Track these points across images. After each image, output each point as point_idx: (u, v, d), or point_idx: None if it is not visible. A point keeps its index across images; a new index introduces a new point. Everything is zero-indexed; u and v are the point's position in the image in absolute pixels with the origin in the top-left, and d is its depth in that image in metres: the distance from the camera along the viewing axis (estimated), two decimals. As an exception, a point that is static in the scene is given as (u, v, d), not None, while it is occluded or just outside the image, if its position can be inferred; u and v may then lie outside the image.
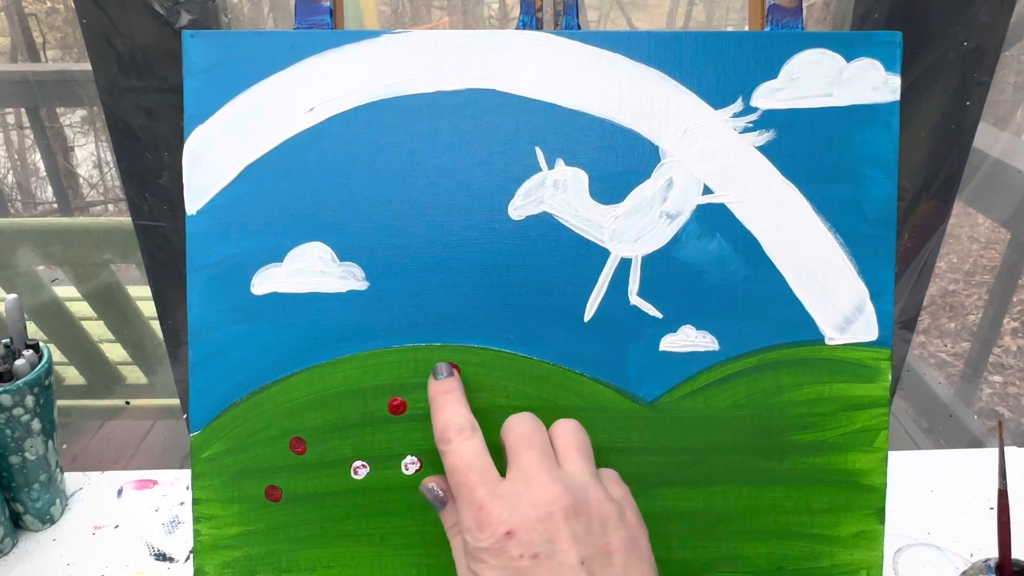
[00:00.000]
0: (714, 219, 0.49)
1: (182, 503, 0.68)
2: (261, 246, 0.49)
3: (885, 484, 0.51)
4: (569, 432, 0.45)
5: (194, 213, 0.49)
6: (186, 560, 0.62)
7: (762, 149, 0.49)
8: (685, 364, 0.50)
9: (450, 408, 0.45)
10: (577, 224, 0.49)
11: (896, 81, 0.48)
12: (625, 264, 0.49)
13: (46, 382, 0.62)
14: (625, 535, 0.41)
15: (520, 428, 0.44)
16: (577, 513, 0.40)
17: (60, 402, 0.80)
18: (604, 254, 0.49)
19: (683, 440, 0.50)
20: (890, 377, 0.50)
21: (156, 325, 1.14)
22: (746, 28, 0.53)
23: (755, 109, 0.48)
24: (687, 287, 0.49)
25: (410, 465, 0.50)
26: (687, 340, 0.50)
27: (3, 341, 0.63)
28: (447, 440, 0.43)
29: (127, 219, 0.92)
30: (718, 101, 0.48)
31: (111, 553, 0.63)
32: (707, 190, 0.49)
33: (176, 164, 0.80)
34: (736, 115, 0.48)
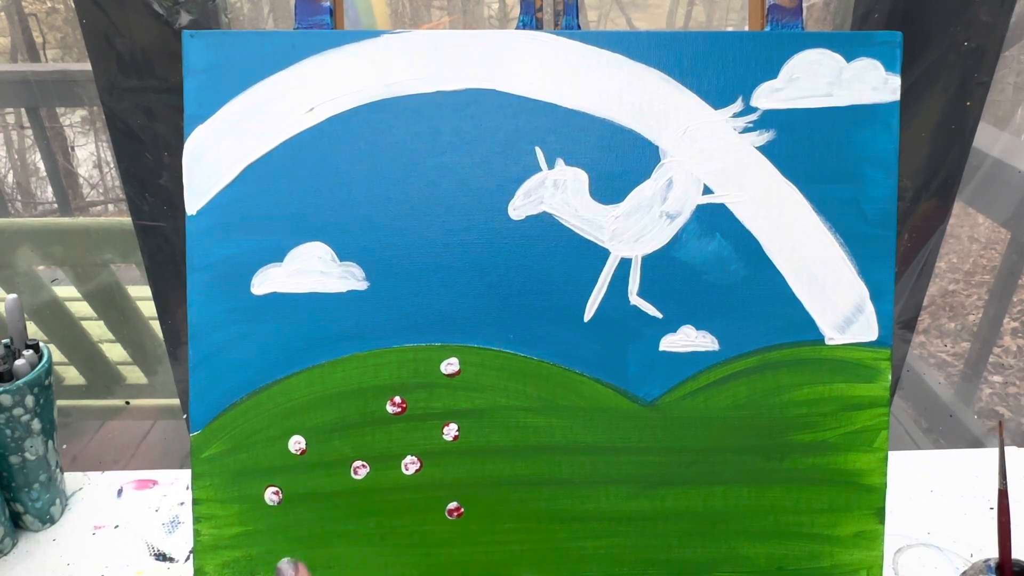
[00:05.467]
0: (714, 219, 0.49)
1: (182, 503, 0.68)
2: (261, 246, 0.49)
3: (885, 484, 0.51)
4: None
5: (194, 213, 0.49)
6: (186, 560, 0.62)
7: (762, 149, 0.49)
8: (685, 364, 0.50)
9: None
10: (577, 224, 0.49)
11: (896, 81, 0.48)
12: (625, 264, 0.49)
13: (46, 382, 0.62)
14: None
15: None
16: None
17: (60, 402, 0.80)
18: (604, 254, 0.49)
19: (683, 440, 0.50)
20: (890, 377, 0.50)
21: (156, 325, 1.14)
22: (746, 28, 0.52)
23: (755, 109, 0.48)
24: (687, 287, 0.49)
25: (410, 465, 0.50)
26: (687, 340, 0.50)
27: (3, 341, 0.63)
28: None
29: (127, 219, 0.92)
30: (718, 101, 0.48)
31: (111, 553, 0.63)
32: (707, 190, 0.49)
33: (176, 164, 0.80)
34: (736, 115, 0.48)
